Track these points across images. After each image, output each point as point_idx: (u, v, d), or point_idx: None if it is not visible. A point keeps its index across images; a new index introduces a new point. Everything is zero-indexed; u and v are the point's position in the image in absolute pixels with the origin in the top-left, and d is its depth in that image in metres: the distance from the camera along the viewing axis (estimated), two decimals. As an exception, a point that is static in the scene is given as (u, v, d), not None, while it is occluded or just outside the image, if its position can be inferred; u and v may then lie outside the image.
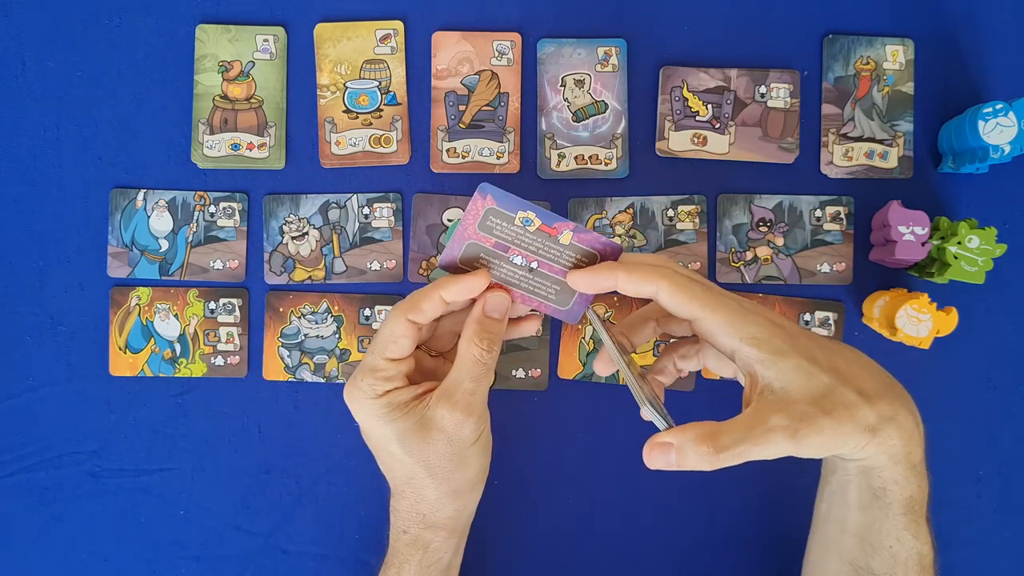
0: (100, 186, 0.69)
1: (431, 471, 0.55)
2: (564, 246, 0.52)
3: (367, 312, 0.69)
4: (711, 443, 0.44)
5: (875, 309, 0.66)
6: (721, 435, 0.44)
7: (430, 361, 0.59)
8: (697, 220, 0.69)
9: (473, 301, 0.55)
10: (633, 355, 0.60)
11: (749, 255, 0.69)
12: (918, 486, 0.50)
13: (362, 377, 0.54)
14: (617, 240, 0.67)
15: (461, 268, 0.54)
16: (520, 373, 0.70)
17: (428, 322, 0.54)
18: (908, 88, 0.69)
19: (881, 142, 0.69)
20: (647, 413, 0.48)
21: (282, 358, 0.69)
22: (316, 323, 0.69)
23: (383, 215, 0.69)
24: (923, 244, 0.63)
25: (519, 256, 0.53)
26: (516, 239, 0.52)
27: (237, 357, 0.69)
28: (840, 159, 0.69)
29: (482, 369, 0.54)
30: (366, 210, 0.69)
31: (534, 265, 0.53)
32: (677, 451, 0.45)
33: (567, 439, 0.70)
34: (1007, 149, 0.63)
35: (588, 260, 0.53)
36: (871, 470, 0.49)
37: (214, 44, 0.69)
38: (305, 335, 0.69)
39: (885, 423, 0.47)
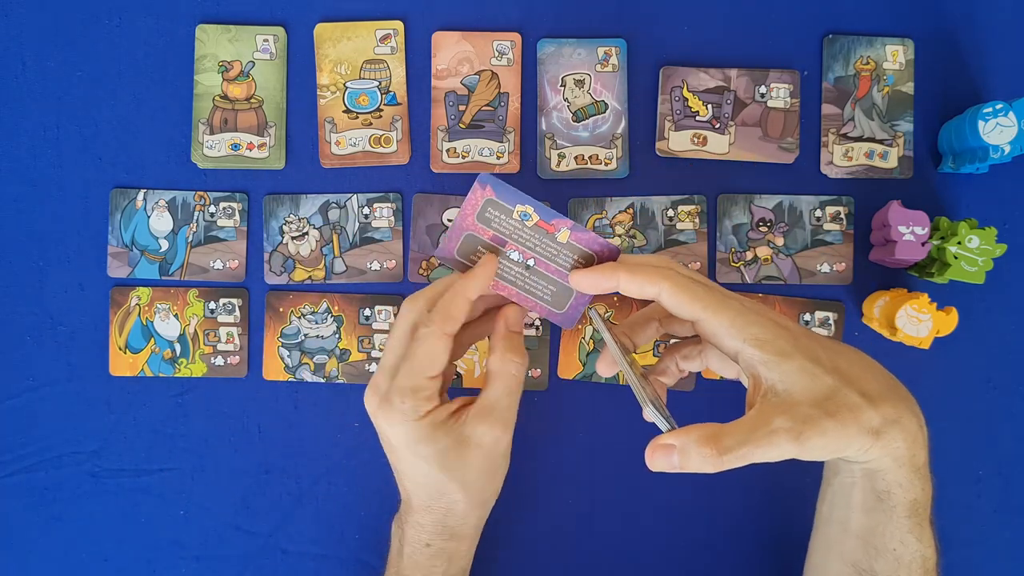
0: (100, 186, 0.69)
1: (466, 487, 0.55)
2: (561, 245, 0.52)
3: (367, 312, 0.69)
4: (714, 445, 0.44)
5: (875, 309, 0.66)
6: (724, 437, 0.44)
7: None
8: (697, 220, 0.69)
9: (481, 303, 0.56)
10: (634, 355, 0.60)
11: (749, 255, 0.69)
12: (922, 489, 0.50)
13: (401, 399, 0.53)
14: (616, 241, 0.67)
15: (458, 261, 0.53)
16: (520, 373, 0.70)
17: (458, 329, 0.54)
18: (908, 88, 0.69)
19: (881, 142, 0.69)
20: (649, 414, 0.48)
21: (282, 358, 0.69)
22: (316, 323, 0.69)
23: (383, 215, 0.69)
24: (923, 244, 0.63)
25: (516, 251, 0.53)
26: (514, 233, 0.52)
27: (237, 357, 0.69)
28: (840, 159, 0.69)
29: (517, 383, 0.54)
30: (366, 210, 0.69)
31: (531, 263, 0.53)
32: (680, 453, 0.45)
33: (567, 439, 0.70)
34: (1007, 149, 0.63)
35: (585, 261, 0.53)
36: (875, 473, 0.49)
37: (214, 44, 0.69)
38: (305, 335, 0.69)
39: (889, 426, 0.47)
